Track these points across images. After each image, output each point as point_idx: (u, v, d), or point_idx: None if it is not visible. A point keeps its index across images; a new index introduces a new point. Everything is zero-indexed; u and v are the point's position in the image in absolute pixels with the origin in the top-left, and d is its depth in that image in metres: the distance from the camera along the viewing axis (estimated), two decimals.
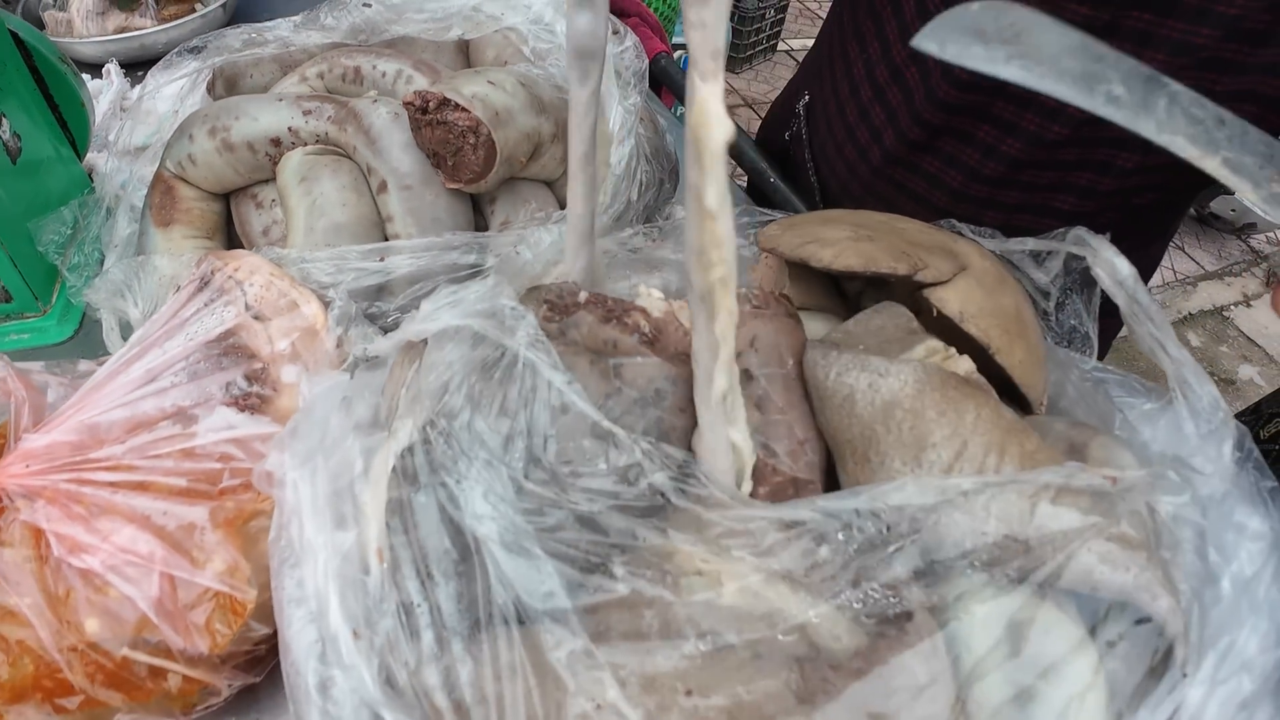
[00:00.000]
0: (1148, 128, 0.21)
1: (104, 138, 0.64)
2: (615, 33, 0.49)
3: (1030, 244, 0.37)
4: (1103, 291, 0.34)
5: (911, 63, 0.51)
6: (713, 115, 0.19)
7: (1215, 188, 1.91)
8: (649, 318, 0.26)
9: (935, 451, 0.25)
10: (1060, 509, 0.24)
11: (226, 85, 0.56)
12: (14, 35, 0.51)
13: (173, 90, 0.54)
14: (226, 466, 0.34)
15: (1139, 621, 0.25)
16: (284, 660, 0.26)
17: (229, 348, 0.37)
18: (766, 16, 2.28)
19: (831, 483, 0.28)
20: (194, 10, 0.81)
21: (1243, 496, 0.27)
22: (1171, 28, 0.40)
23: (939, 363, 0.28)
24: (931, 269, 0.32)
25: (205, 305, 0.38)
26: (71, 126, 0.58)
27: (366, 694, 0.23)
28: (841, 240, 0.34)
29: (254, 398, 0.36)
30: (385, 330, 0.43)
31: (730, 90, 2.27)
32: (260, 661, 0.35)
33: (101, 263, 0.52)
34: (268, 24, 0.55)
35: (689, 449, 0.25)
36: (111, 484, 0.32)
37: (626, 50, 0.50)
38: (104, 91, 0.71)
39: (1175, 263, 1.95)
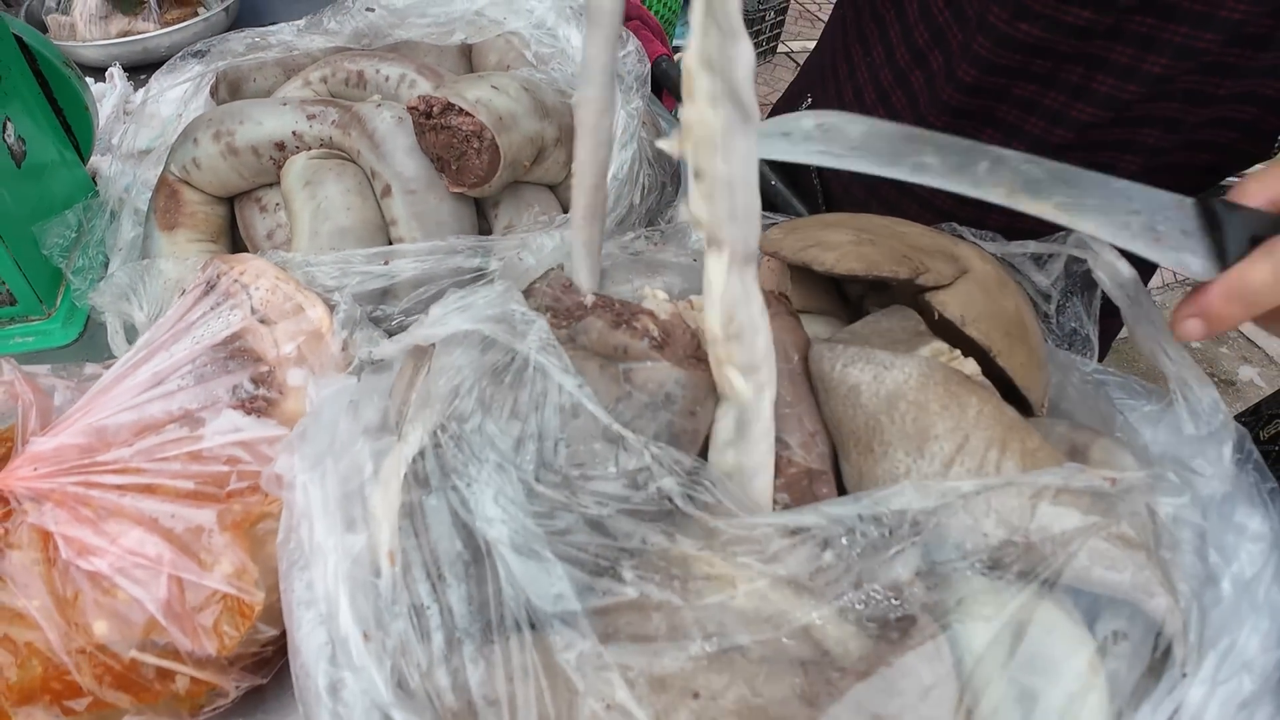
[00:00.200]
0: (963, 186, 0.23)
1: (107, 141, 0.65)
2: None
3: (1031, 247, 0.37)
4: (1102, 292, 0.34)
5: (916, 66, 0.51)
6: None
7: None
8: (657, 321, 0.26)
9: (938, 444, 0.25)
10: (1060, 510, 0.24)
11: (230, 89, 0.56)
12: (18, 39, 0.51)
13: (176, 94, 0.55)
14: (234, 469, 0.34)
15: (1138, 621, 0.25)
16: (294, 662, 0.26)
17: (235, 351, 0.37)
18: (766, 18, 2.29)
19: (837, 475, 0.29)
20: (197, 14, 0.81)
21: (1243, 498, 0.27)
22: (1174, 32, 0.40)
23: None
24: (933, 273, 0.33)
25: (211, 309, 0.38)
26: (75, 130, 0.58)
27: (377, 696, 0.24)
28: (843, 244, 0.34)
29: (260, 400, 0.36)
30: (390, 333, 0.43)
31: None
32: (268, 663, 0.35)
33: (106, 266, 0.52)
34: (271, 28, 0.56)
35: (700, 453, 0.25)
36: (119, 487, 0.33)
37: (628, 54, 0.50)
38: (107, 95, 0.71)
39: None
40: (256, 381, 0.36)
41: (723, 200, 0.20)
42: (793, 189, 0.63)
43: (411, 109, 0.44)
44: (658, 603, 0.23)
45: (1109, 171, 0.48)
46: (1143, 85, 0.43)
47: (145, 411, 0.35)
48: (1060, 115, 0.46)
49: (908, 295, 0.34)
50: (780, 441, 0.26)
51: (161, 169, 0.50)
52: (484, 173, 0.44)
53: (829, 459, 0.28)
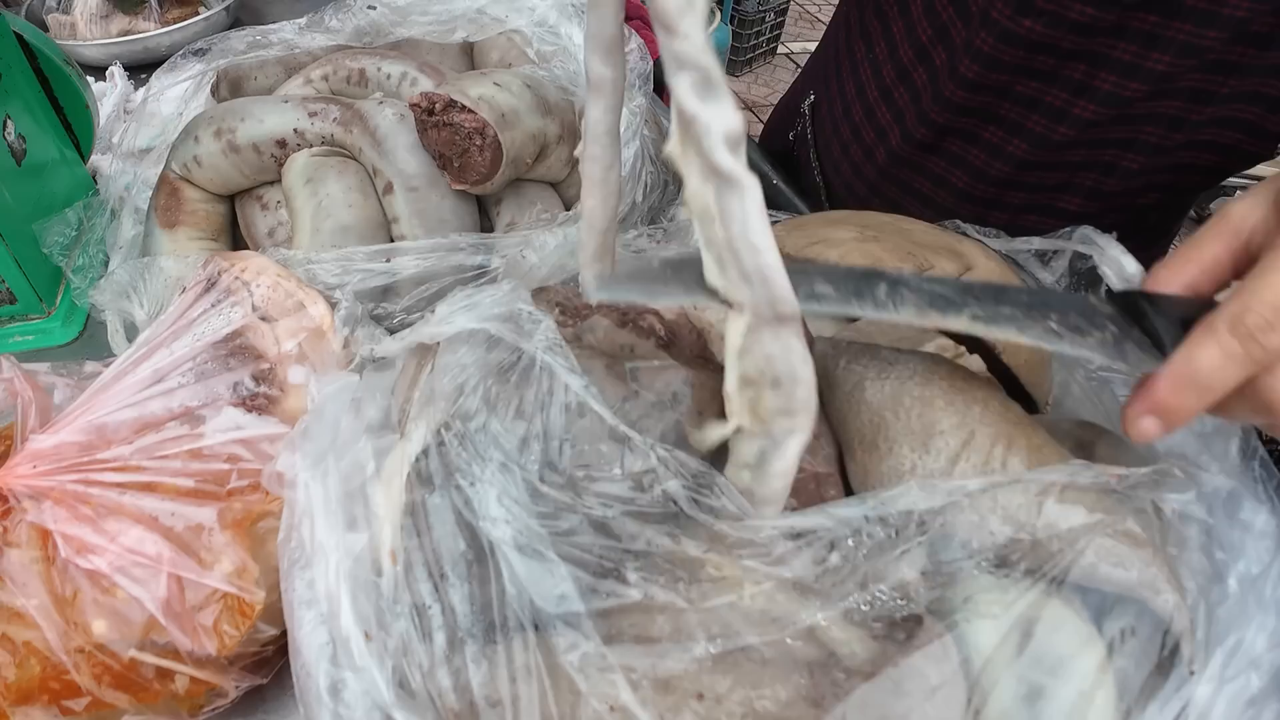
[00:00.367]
0: (866, 310, 0.23)
1: (108, 140, 0.64)
2: None
3: (1036, 243, 0.37)
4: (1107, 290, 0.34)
5: (919, 63, 0.51)
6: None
7: (1214, 190, 1.91)
8: (663, 320, 0.26)
9: (943, 439, 0.25)
10: (1067, 507, 0.24)
11: (231, 88, 0.56)
12: (18, 37, 0.51)
13: (177, 93, 0.55)
14: (234, 467, 0.34)
15: (1145, 619, 0.25)
16: (294, 662, 0.26)
17: (236, 348, 0.37)
18: (766, 20, 2.29)
19: (842, 474, 0.28)
20: (198, 13, 0.81)
21: (1249, 494, 0.27)
22: (1178, 29, 0.40)
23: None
24: (937, 269, 0.32)
25: (212, 306, 0.38)
26: (76, 129, 0.58)
27: (379, 696, 0.23)
28: (847, 241, 0.34)
29: (261, 398, 0.36)
30: (391, 331, 0.43)
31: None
32: (268, 663, 0.35)
33: (106, 264, 0.52)
34: (272, 26, 0.55)
35: (708, 454, 0.25)
36: (119, 485, 0.32)
37: (631, 52, 0.50)
38: (108, 94, 0.71)
39: None
40: (257, 379, 0.36)
41: (730, 265, 0.20)
42: (795, 187, 0.63)
43: (413, 106, 0.44)
44: (662, 604, 0.23)
45: (1110, 168, 0.48)
46: (1145, 83, 0.42)
47: (145, 409, 0.34)
48: (1062, 113, 0.46)
49: None
50: None
51: (162, 167, 0.50)
52: (486, 170, 0.44)
53: (835, 460, 0.28)
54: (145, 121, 0.55)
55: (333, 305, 0.40)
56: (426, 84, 0.51)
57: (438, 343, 0.28)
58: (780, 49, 2.45)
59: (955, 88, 0.48)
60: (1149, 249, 0.59)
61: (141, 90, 0.60)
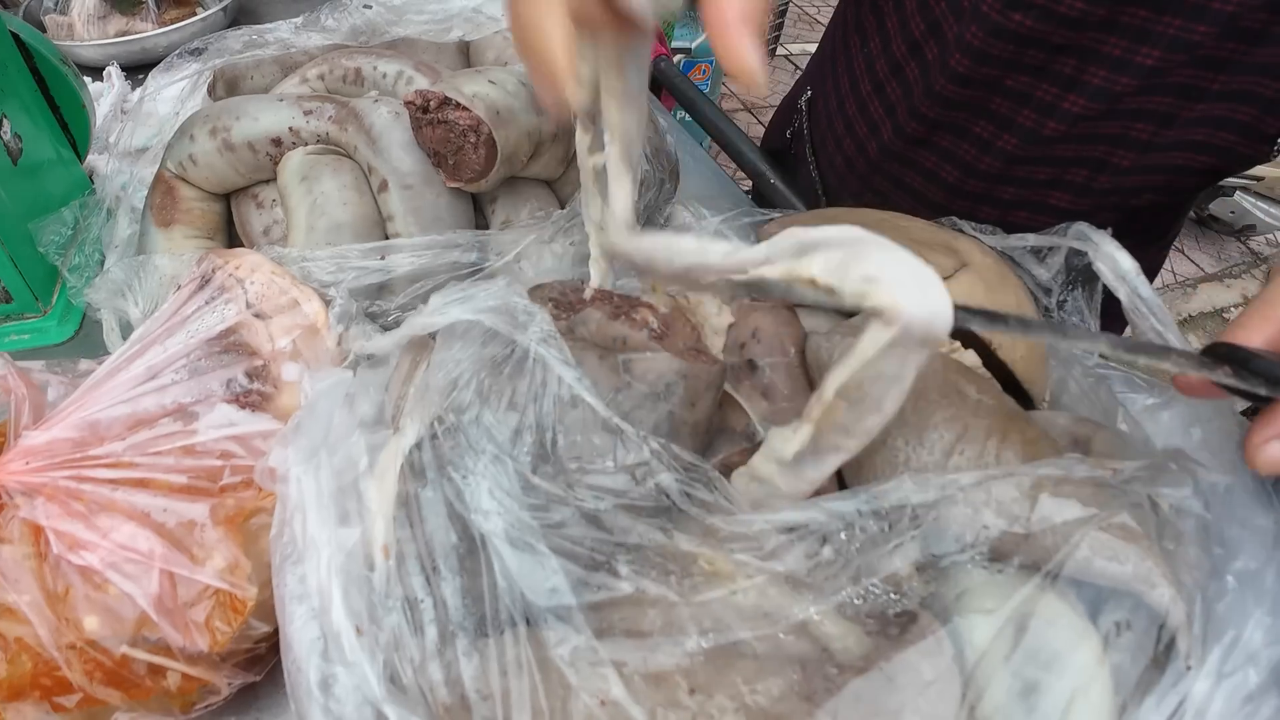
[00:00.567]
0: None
1: (105, 140, 0.65)
2: None
3: (1031, 240, 0.37)
4: (1105, 294, 0.34)
5: (911, 57, 0.51)
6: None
7: (1213, 190, 1.92)
8: (657, 313, 0.26)
9: (937, 432, 0.25)
10: (1061, 500, 0.24)
11: (227, 87, 0.56)
12: (15, 37, 0.51)
13: (173, 92, 0.55)
14: (227, 464, 0.34)
15: (1141, 613, 0.25)
16: (285, 658, 0.26)
17: (230, 345, 0.36)
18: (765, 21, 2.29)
19: None
20: (195, 14, 0.81)
21: (1247, 490, 0.27)
22: (1168, 24, 0.40)
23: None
24: (933, 266, 0.32)
25: (206, 303, 0.38)
26: (72, 128, 0.58)
27: (369, 691, 0.23)
28: None
29: (255, 395, 0.36)
30: (386, 328, 0.43)
31: (728, 94, 2.28)
32: (260, 660, 0.35)
33: (102, 263, 0.51)
34: (268, 26, 0.55)
35: (701, 445, 0.25)
36: (111, 481, 0.32)
37: None
38: (105, 94, 0.71)
39: (1175, 265, 1.96)
40: (251, 376, 0.36)
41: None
42: (790, 184, 0.63)
43: (408, 104, 0.44)
44: (654, 598, 0.23)
45: (1100, 164, 0.48)
46: (1135, 78, 0.42)
47: (139, 405, 0.34)
48: (1052, 107, 0.46)
49: None
50: None
51: (158, 166, 0.50)
52: (481, 167, 0.44)
53: None
54: (142, 121, 0.56)
55: (327, 302, 0.40)
56: (422, 82, 0.51)
57: (433, 341, 0.27)
58: (779, 50, 2.46)
59: (946, 82, 0.48)
60: (1145, 250, 0.59)
61: (138, 90, 0.60)
